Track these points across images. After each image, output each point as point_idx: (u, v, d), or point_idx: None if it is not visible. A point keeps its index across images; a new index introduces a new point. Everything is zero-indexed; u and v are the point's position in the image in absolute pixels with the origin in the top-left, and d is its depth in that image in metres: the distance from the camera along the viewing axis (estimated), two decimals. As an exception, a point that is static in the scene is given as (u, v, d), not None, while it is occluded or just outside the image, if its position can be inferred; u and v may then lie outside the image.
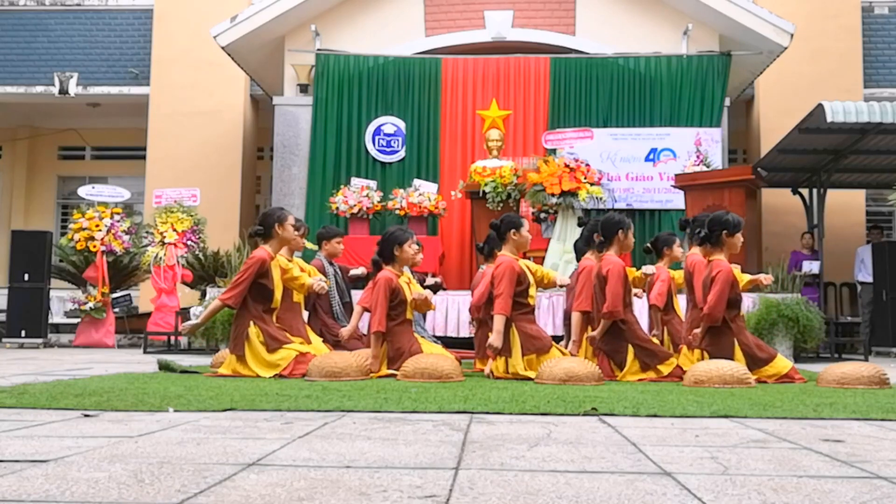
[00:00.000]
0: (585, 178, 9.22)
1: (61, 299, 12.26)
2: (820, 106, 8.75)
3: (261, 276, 5.40)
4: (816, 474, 2.05)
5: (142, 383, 4.51)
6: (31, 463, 2.09)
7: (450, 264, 10.46)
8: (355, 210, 9.75)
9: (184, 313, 9.21)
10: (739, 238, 5.53)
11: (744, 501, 1.74)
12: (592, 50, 10.98)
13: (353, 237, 9.50)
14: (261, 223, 5.64)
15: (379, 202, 9.87)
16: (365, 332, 6.33)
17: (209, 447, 2.38)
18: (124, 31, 14.25)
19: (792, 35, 10.43)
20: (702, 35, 10.87)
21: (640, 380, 5.23)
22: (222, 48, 11.01)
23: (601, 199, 9.39)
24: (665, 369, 5.29)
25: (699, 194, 9.03)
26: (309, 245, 7.20)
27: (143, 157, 13.66)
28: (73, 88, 13.65)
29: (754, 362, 5.20)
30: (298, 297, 6.03)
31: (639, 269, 6.26)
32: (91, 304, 10.26)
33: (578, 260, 6.64)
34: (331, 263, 7.18)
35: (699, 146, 10.27)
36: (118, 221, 10.57)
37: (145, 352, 9.10)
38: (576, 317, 5.66)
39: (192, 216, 10.48)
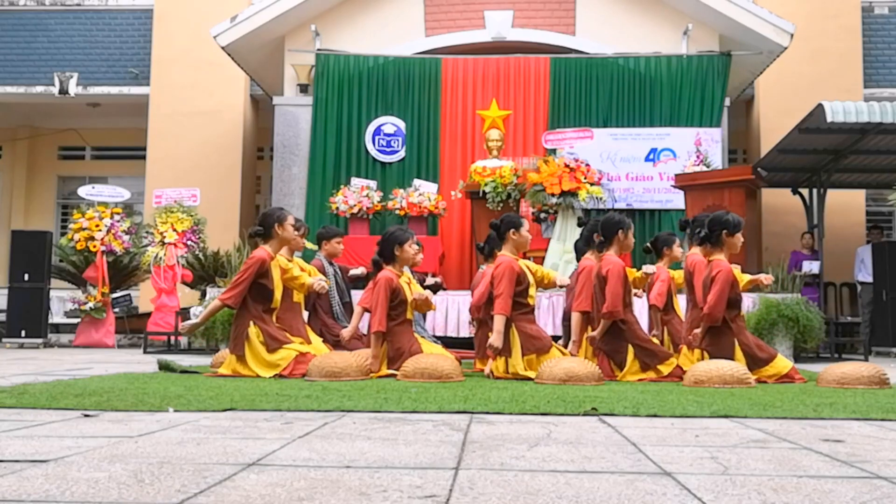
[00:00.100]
0: (585, 178, 9.22)
1: (61, 299, 12.26)
2: (820, 106, 8.75)
3: (261, 276, 5.40)
4: (816, 474, 2.05)
5: (142, 383, 4.51)
6: (31, 463, 2.09)
7: (450, 264, 10.46)
8: (355, 210, 9.75)
9: (184, 313, 9.21)
10: (739, 238, 5.53)
11: (744, 501, 1.74)
12: (592, 50, 10.98)
13: (353, 237, 9.50)
14: (261, 223, 5.64)
15: (379, 202, 9.87)
16: (365, 332, 6.33)
17: (209, 447, 2.38)
18: (124, 31, 14.25)
19: (792, 35, 10.43)
20: (702, 35, 10.87)
21: (640, 380, 5.23)
22: (222, 48, 11.01)
23: (601, 199, 9.39)
24: (665, 369, 5.29)
25: (699, 194, 9.03)
26: (309, 245, 7.20)
27: (143, 157, 13.66)
28: (73, 88, 13.65)
29: (754, 362, 5.20)
30: (298, 297, 6.03)
31: (639, 269, 6.26)
32: (91, 304, 10.26)
33: (578, 260, 6.64)
34: (331, 263, 7.18)
35: (699, 146, 10.27)
36: (118, 221, 10.57)
37: (145, 352, 9.10)
38: (576, 317, 5.66)
39: (192, 216, 10.48)
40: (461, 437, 2.63)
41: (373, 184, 10.16)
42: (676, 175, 9.61)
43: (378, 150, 10.87)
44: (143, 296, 12.53)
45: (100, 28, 14.28)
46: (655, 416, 3.26)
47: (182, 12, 13.52)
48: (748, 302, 7.68)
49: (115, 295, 10.79)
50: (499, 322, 5.31)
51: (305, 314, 6.51)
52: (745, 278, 5.92)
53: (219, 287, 8.76)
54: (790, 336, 7.70)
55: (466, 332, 7.99)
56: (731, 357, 5.17)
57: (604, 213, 7.34)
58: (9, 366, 6.37)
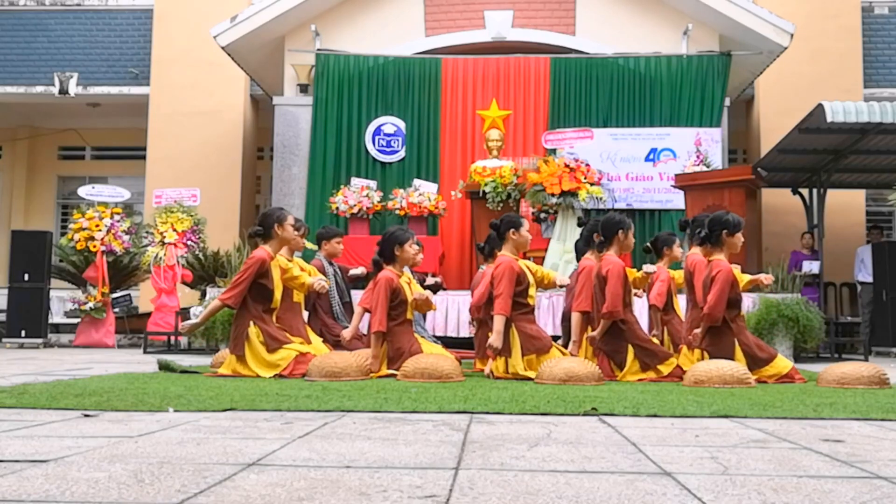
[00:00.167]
0: (585, 178, 9.22)
1: (61, 299, 12.26)
2: (820, 106, 8.75)
3: (261, 276, 5.40)
4: (816, 474, 2.05)
5: (142, 383, 4.51)
6: (31, 463, 2.09)
7: (450, 264, 10.46)
8: (355, 210, 9.75)
9: (184, 313, 9.21)
10: (740, 238, 5.54)
11: (744, 501, 1.74)
12: (592, 50, 10.98)
13: (353, 237, 9.50)
14: (260, 223, 5.64)
15: (379, 202, 9.87)
16: (365, 332, 6.33)
17: (209, 447, 2.38)
18: (124, 31, 14.25)
19: (792, 35, 10.43)
20: (702, 35, 10.87)
21: (640, 380, 5.23)
22: (222, 48, 11.01)
23: (601, 199, 9.39)
24: (665, 369, 5.29)
25: (699, 194, 9.03)
26: (309, 245, 7.20)
27: (143, 157, 13.66)
28: (73, 88, 13.65)
29: (755, 362, 5.20)
30: (298, 297, 6.03)
31: (639, 269, 6.26)
32: (91, 304, 10.27)
33: (578, 260, 6.64)
34: (330, 263, 7.18)
35: (699, 146, 10.27)
36: (118, 221, 10.57)
37: (145, 352, 9.10)
38: (576, 317, 5.66)
39: (192, 216, 10.48)
40: (461, 437, 2.63)
41: (373, 184, 10.16)
42: (676, 175, 9.61)
43: (378, 150, 10.87)
44: (143, 296, 12.53)
45: (100, 28, 14.29)
46: (655, 416, 3.26)
47: (182, 12, 13.52)
48: (748, 302, 7.68)
49: (115, 295, 10.79)
50: (498, 322, 5.31)
51: (305, 314, 6.51)
52: (745, 278, 5.92)
53: (219, 287, 8.76)
54: (790, 336, 7.70)
55: (466, 332, 7.98)
56: (732, 357, 5.17)
57: (604, 213, 7.34)
58: (9, 366, 6.37)
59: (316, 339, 6.01)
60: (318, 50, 11.05)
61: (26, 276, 10.25)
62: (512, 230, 5.60)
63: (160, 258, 10.20)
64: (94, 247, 10.38)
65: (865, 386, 4.73)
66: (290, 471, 2.02)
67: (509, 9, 11.09)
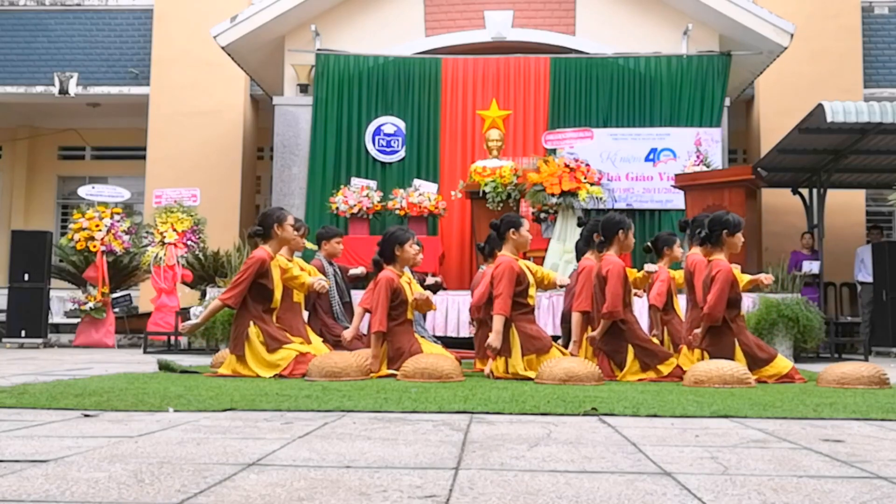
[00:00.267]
0: (585, 178, 9.22)
1: (61, 299, 12.26)
2: (820, 106, 8.75)
3: (261, 276, 5.40)
4: (816, 474, 2.05)
5: (142, 383, 4.51)
6: (31, 463, 2.09)
7: (450, 264, 10.46)
8: (355, 210, 9.75)
9: (184, 313, 9.21)
10: (740, 238, 5.54)
11: (744, 501, 1.74)
12: (592, 50, 10.98)
13: (353, 237, 9.50)
14: (260, 223, 5.64)
15: (379, 202, 9.87)
16: (365, 332, 6.33)
17: (209, 447, 2.38)
18: (124, 31, 14.25)
19: (792, 35, 10.43)
20: (702, 35, 10.87)
21: (640, 380, 5.23)
22: (222, 48, 11.01)
23: (601, 199, 9.39)
24: (665, 369, 5.29)
25: (699, 194, 9.03)
26: (309, 245, 7.20)
27: (143, 157, 13.67)
28: (73, 88, 13.65)
29: (755, 362, 5.20)
30: (298, 297, 6.03)
31: (639, 269, 6.26)
32: (91, 304, 10.27)
33: (578, 260, 6.64)
34: (330, 263, 7.18)
35: (699, 146, 10.27)
36: (118, 221, 10.57)
37: (145, 352, 9.10)
38: (576, 317, 5.66)
39: (192, 216, 10.48)
40: (461, 437, 2.63)
41: (373, 184, 10.16)
42: (676, 175, 9.61)
43: (378, 150, 10.87)
44: (143, 296, 12.53)
45: (100, 28, 14.29)
46: (655, 416, 3.26)
47: (182, 12, 13.52)
48: (748, 302, 7.68)
49: (115, 295, 10.79)
50: (497, 322, 5.31)
51: (305, 314, 6.51)
52: (745, 278, 5.92)
53: (219, 287, 8.76)
54: (790, 336, 7.70)
55: (466, 332, 7.99)
56: (732, 357, 5.17)
57: (604, 213, 7.34)
58: (9, 366, 6.37)
59: (316, 339, 6.01)
60: (318, 50, 11.05)
61: (26, 276, 10.25)
62: (512, 230, 5.60)
63: (160, 258, 10.20)
64: (94, 247, 10.39)
65: (865, 386, 4.73)
66: (290, 471, 2.02)
67: (509, 9, 11.09)
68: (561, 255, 8.94)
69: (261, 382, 4.77)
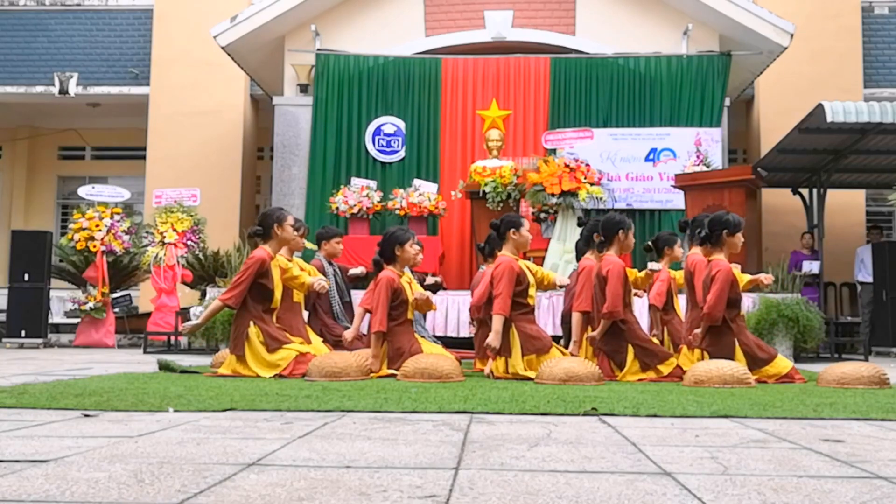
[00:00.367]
0: (585, 178, 9.22)
1: (61, 299, 12.26)
2: (820, 106, 8.75)
3: (261, 276, 5.40)
4: (816, 474, 2.05)
5: (142, 383, 4.51)
6: (31, 463, 2.09)
7: (450, 264, 10.46)
8: (355, 210, 9.75)
9: (184, 313, 9.21)
10: (740, 238, 5.54)
11: (744, 501, 1.74)
12: (592, 50, 10.98)
13: (353, 237, 9.50)
14: (260, 223, 5.64)
15: (379, 202, 9.87)
16: (365, 332, 6.33)
17: (209, 447, 2.38)
18: (124, 31, 14.25)
19: (792, 35, 10.43)
20: (702, 35, 10.87)
21: (640, 380, 5.23)
22: (222, 48, 11.01)
23: (601, 199, 9.39)
24: (665, 369, 5.29)
25: (699, 194, 9.03)
26: (309, 245, 7.20)
27: (143, 157, 13.67)
28: (73, 88, 13.65)
29: (755, 362, 5.20)
30: (298, 297, 6.03)
31: (640, 269, 6.25)
32: (91, 304, 10.26)
33: (578, 260, 6.64)
34: (330, 263, 7.18)
35: (699, 146, 10.27)
36: (118, 221, 10.57)
37: (145, 352, 9.10)
38: (576, 317, 5.66)
39: (192, 216, 10.48)
40: (461, 437, 2.63)
41: (373, 184, 10.16)
42: (676, 175, 9.61)
43: (378, 150, 10.87)
44: (143, 296, 12.53)
45: (100, 28, 14.29)
46: (655, 416, 3.26)
47: (182, 12, 13.52)
48: (748, 302, 7.68)
49: (115, 295, 10.79)
50: (497, 322, 5.31)
51: (305, 314, 6.51)
52: (745, 278, 5.92)
53: (219, 287, 8.76)
54: (790, 336, 7.70)
55: (466, 332, 7.99)
56: (732, 357, 5.17)
57: (604, 213, 7.34)
58: (9, 366, 6.37)
59: (316, 339, 6.01)
60: (318, 50, 11.05)
61: (26, 276, 10.25)
62: (512, 230, 5.60)
63: (160, 258, 10.20)
64: (94, 247, 10.39)
65: (865, 386, 4.73)
66: (290, 471, 2.02)
67: (509, 9, 11.09)
68: (561, 255, 8.93)
69: (261, 382, 4.77)
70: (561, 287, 6.35)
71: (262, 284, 5.41)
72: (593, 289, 5.56)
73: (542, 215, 9.40)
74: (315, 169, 10.85)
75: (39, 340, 10.16)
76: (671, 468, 2.11)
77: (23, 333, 10.12)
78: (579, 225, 6.88)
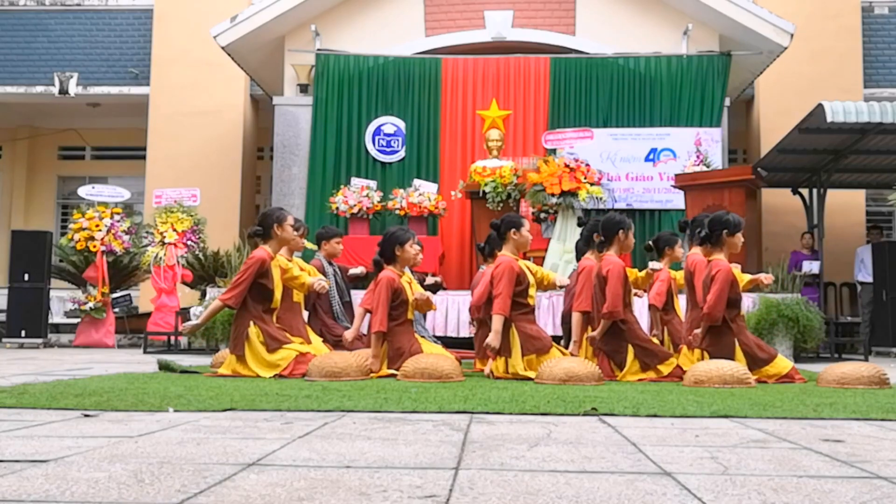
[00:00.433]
0: (585, 178, 9.22)
1: (61, 299, 12.26)
2: (820, 106, 8.75)
3: (261, 276, 5.40)
4: (816, 474, 2.05)
5: (142, 383, 4.51)
6: (31, 463, 2.09)
7: (450, 264, 10.46)
8: (355, 210, 9.75)
9: (184, 313, 9.21)
10: (740, 238, 5.54)
11: (744, 501, 1.74)
12: (592, 50, 10.98)
13: (353, 237, 9.50)
14: (260, 223, 5.64)
15: (379, 202, 9.87)
16: (365, 332, 6.33)
17: (209, 447, 2.38)
18: (124, 31, 14.25)
19: (792, 35, 10.43)
20: (702, 35, 10.87)
21: (640, 380, 5.23)
22: (222, 48, 11.01)
23: (601, 199, 9.39)
24: (665, 369, 5.29)
25: (699, 194, 9.03)
26: (308, 245, 7.20)
27: (143, 157, 13.67)
28: (73, 88, 13.65)
29: (755, 362, 5.20)
30: (298, 297, 6.03)
31: (640, 269, 6.25)
32: (91, 304, 10.27)
33: (578, 260, 6.64)
34: (330, 263, 7.18)
35: (699, 146, 10.27)
36: (118, 221, 10.57)
37: (145, 352, 9.11)
38: (576, 317, 5.66)
39: (192, 216, 10.49)
40: (461, 437, 2.63)
41: (373, 184, 10.16)
42: (676, 175, 9.61)
43: (378, 150, 10.87)
44: (143, 296, 12.53)
45: (100, 28, 14.29)
46: (655, 416, 3.26)
47: (182, 12, 13.52)
48: (748, 302, 7.68)
49: (115, 295, 10.79)
50: (497, 322, 5.31)
51: (305, 314, 6.51)
52: (745, 278, 5.92)
53: (219, 287, 8.76)
54: (790, 336, 7.69)
55: (466, 332, 7.98)
56: (732, 357, 5.17)
57: (604, 213, 7.34)
58: (9, 366, 6.37)
59: (316, 339, 6.01)
60: (318, 50, 11.05)
61: (26, 276, 10.25)
62: (513, 230, 5.60)
63: (160, 258, 10.20)
64: (94, 247, 10.39)
65: (865, 386, 4.73)
66: (290, 471, 2.02)
67: (509, 9, 11.09)
68: (561, 255, 8.93)
69: (261, 382, 4.77)
70: (561, 287, 6.35)
71: (262, 284, 5.41)
72: (593, 289, 5.56)
73: (542, 215, 9.40)
74: (315, 169, 10.85)
75: (39, 340, 10.16)
76: (671, 468, 2.11)
77: (23, 333, 10.12)
78: (579, 225, 6.88)
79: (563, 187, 9.07)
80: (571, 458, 2.25)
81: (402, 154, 10.85)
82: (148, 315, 10.53)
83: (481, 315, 6.03)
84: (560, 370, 4.82)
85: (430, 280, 7.12)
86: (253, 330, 5.33)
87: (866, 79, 12.95)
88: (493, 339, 5.27)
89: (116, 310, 10.89)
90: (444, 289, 7.86)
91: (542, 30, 11.10)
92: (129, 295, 11.56)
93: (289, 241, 5.81)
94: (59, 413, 3.19)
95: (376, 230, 9.59)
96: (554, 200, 9.14)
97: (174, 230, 10.32)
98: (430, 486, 1.85)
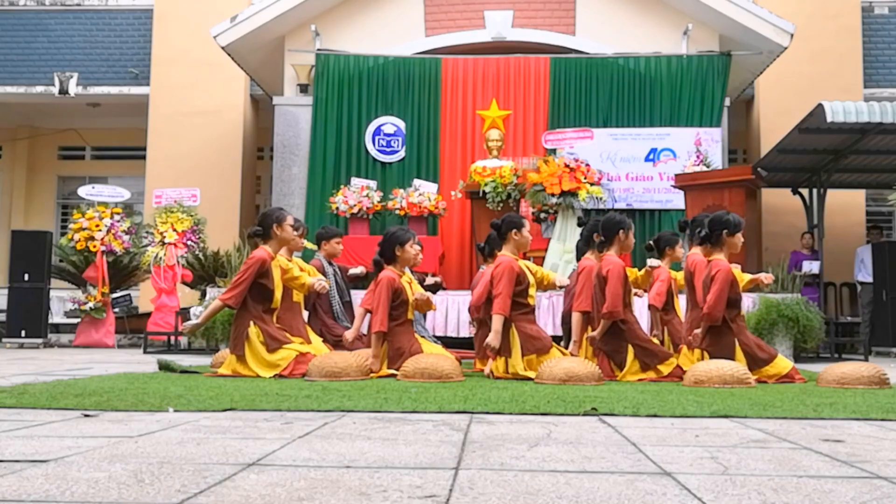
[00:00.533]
0: (585, 178, 9.22)
1: (61, 299, 12.26)
2: (820, 106, 8.75)
3: (261, 276, 5.40)
4: (816, 474, 2.05)
5: (142, 383, 4.51)
6: (31, 463, 2.09)
7: (450, 264, 10.46)
8: (355, 210, 9.75)
9: (184, 313, 9.21)
10: (740, 238, 5.54)
11: (744, 501, 1.74)
12: (592, 50, 10.98)
13: (353, 237, 9.50)
14: (259, 224, 5.64)
15: (379, 202, 9.87)
16: (365, 332, 6.33)
17: (209, 447, 2.38)
18: (124, 31, 14.25)
19: (792, 35, 10.43)
20: (702, 35, 10.87)
21: (640, 380, 5.23)
22: (222, 48, 11.01)
23: (601, 199, 9.39)
24: (665, 369, 5.29)
25: (699, 194, 9.03)
26: (308, 245, 7.20)
27: (143, 157, 13.67)
28: (73, 88, 13.65)
29: (755, 362, 5.20)
30: (298, 297, 6.03)
31: (640, 269, 6.25)
32: (91, 304, 10.27)
33: (578, 260, 6.64)
34: (330, 263, 7.18)
35: (699, 146, 10.27)
36: (118, 221, 10.58)
37: (145, 352, 9.10)
38: (576, 317, 5.66)
39: (192, 216, 10.49)
40: (461, 437, 2.63)
41: (373, 184, 10.16)
42: (676, 175, 9.61)
43: (378, 150, 10.87)
44: (143, 296, 12.53)
45: (100, 28, 14.29)
46: (655, 416, 3.26)
47: (182, 12, 13.52)
48: (748, 302, 7.68)
49: (115, 295, 10.80)
50: (497, 322, 5.31)
51: (305, 314, 6.51)
52: (745, 278, 5.92)
53: (219, 287, 8.76)
54: (790, 336, 7.69)
55: (466, 332, 7.99)
56: (732, 357, 5.17)
57: (604, 213, 7.34)
58: (9, 366, 6.37)
59: (316, 339, 6.01)
60: (318, 50, 11.05)
61: (26, 276, 10.25)
62: (514, 230, 5.60)
63: (160, 258, 10.20)
64: (94, 247, 10.39)
65: (865, 386, 4.73)
66: (290, 471, 2.02)
67: (509, 9, 11.09)
68: (561, 255, 8.94)
69: (261, 382, 4.77)
70: (561, 287, 6.35)
71: (262, 284, 5.41)
72: (593, 289, 5.56)
73: (542, 215, 9.40)
74: (315, 169, 10.86)
75: (39, 340, 10.16)
76: (671, 468, 2.11)
77: (23, 333, 10.12)
78: (579, 225, 6.88)
79: (563, 187, 9.07)
80: (571, 458, 2.25)
81: (402, 154, 10.85)
82: (148, 315, 10.53)
83: (481, 315, 6.03)
84: (560, 370, 4.82)
85: (430, 280, 7.12)
86: (253, 330, 5.33)
87: (866, 79, 12.95)
88: (492, 339, 5.27)
89: (116, 310, 10.89)
90: (444, 289, 7.86)
91: (542, 30, 11.10)
92: (129, 295, 11.56)
93: (288, 242, 5.82)
94: (59, 413, 3.19)
95: (376, 230, 9.59)
96: (554, 200, 9.14)
97: (174, 230, 10.32)
98: (430, 486, 1.85)
